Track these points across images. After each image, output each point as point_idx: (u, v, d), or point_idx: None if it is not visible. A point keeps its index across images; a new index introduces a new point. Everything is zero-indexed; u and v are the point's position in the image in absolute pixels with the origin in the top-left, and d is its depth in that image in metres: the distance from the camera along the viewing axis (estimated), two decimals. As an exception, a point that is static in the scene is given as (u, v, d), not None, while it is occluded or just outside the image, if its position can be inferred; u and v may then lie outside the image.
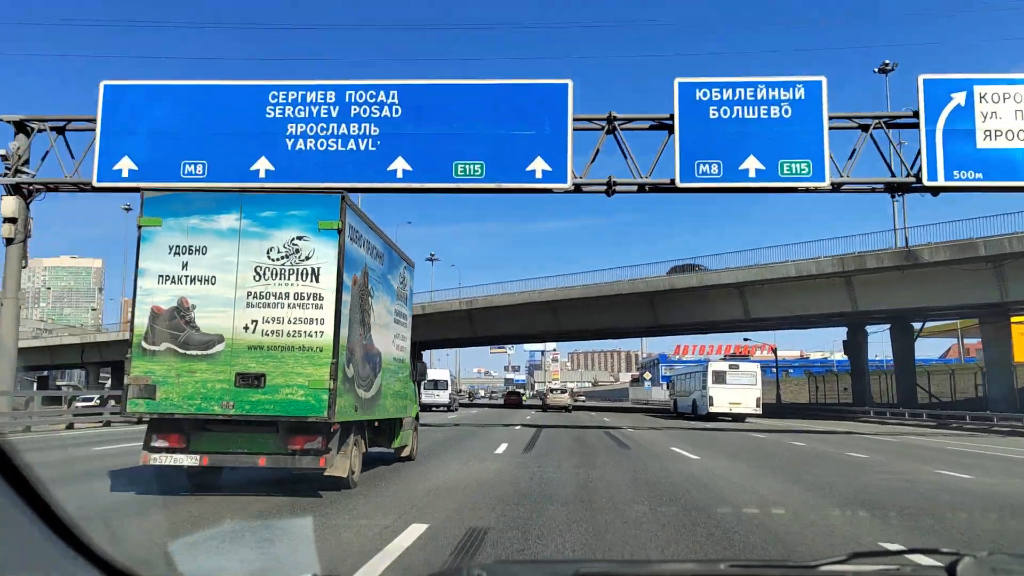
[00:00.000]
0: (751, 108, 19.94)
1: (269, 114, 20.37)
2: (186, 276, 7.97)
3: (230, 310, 7.91)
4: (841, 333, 51.15)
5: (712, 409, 35.39)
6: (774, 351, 55.43)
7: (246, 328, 7.87)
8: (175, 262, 8.00)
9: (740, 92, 20.05)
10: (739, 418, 35.33)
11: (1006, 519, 8.07)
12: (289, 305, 7.94)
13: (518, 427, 25.70)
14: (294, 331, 7.88)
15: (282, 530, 3.83)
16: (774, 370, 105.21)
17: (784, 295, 39.64)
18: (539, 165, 19.84)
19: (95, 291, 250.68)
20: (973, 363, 62.43)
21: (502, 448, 15.82)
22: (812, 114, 19.85)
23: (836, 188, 20.14)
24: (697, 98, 20.13)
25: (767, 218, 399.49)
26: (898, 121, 20.48)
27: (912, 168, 19.94)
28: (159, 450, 7.93)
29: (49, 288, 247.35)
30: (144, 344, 7.87)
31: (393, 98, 20.31)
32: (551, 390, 52.77)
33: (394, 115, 20.24)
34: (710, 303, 41.99)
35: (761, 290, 40.13)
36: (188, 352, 7.83)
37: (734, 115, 19.96)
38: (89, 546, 1.47)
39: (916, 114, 19.98)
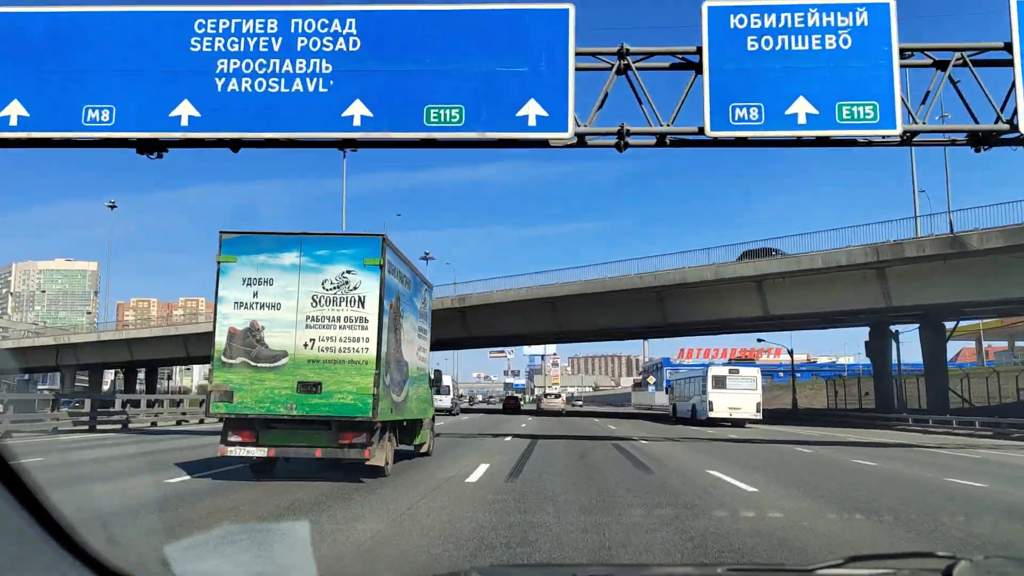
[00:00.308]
0: (800, 38, 15.60)
1: (195, 47, 16.04)
2: (256, 303, 9.48)
3: (292, 331, 9.41)
4: (855, 334, 46.91)
5: (712, 414, 34.12)
6: (790, 353, 50.98)
7: (305, 345, 9.37)
8: (248, 291, 9.52)
9: (786, 18, 15.72)
10: (739, 423, 33.89)
11: None
12: (340, 327, 9.46)
13: (509, 438, 21.43)
14: (344, 348, 9.39)
15: (280, 534, 3.57)
16: (781, 374, 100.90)
17: (808, 289, 35.28)
18: (532, 110, 15.50)
19: (90, 294, 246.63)
20: (992, 367, 58.11)
21: (479, 473, 11.46)
22: (878, 45, 15.50)
23: (908, 139, 15.83)
24: (732, 26, 15.80)
25: (761, 219, 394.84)
26: (984, 57, 16.14)
27: (1003, 113, 15.63)
28: (234, 444, 9.45)
29: (44, 291, 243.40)
30: (223, 358, 9.38)
31: (350, 28, 15.99)
32: (545, 395, 52.94)
33: (351, 48, 15.91)
34: (726, 299, 37.68)
35: (782, 284, 35.79)
36: (259, 365, 9.34)
37: (779, 47, 15.63)
38: (85, 548, 1.47)
39: (1008, 46, 15.68)
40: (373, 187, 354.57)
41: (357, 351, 9.29)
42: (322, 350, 9.27)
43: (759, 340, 49.53)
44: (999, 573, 1.86)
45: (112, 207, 78.47)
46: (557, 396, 50.77)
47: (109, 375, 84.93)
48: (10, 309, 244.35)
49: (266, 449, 9.35)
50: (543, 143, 16.03)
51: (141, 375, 79.90)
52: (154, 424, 25.12)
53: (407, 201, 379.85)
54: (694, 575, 2.72)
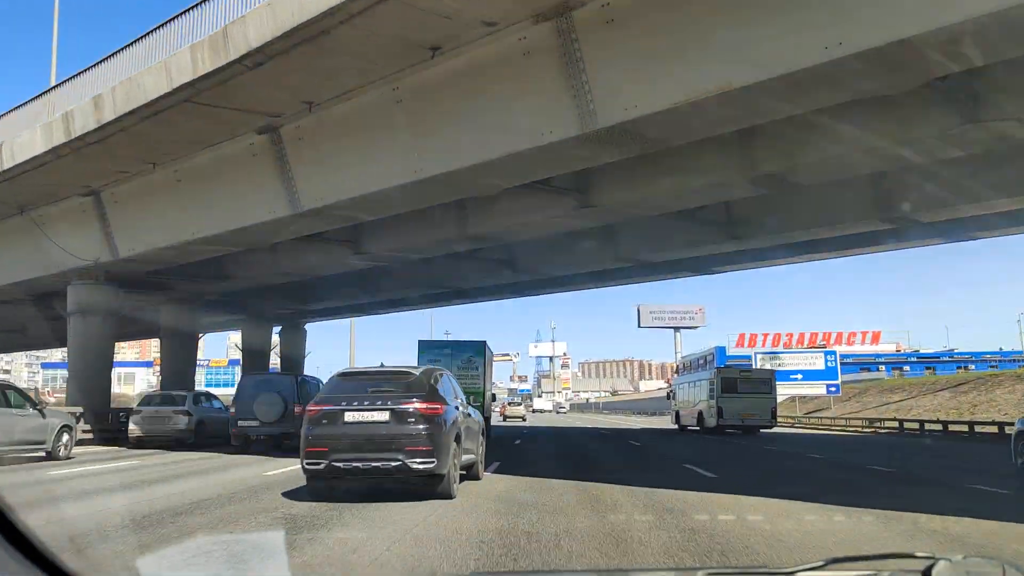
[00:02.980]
0: None
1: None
2: None
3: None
4: None
5: (721, 422, 28.83)
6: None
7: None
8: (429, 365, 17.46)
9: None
10: (750, 431, 28.42)
11: None
12: (469, 379, 19.34)
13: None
14: (471, 387, 18.22)
15: (254, 544, 3.52)
16: (884, 369, 66.97)
17: None
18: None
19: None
20: None
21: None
22: None
23: None
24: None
25: None
26: None
27: None
28: None
29: None
30: None
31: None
32: (509, 403, 50.98)
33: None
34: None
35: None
36: None
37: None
38: (55, 563, 1.44)
39: None
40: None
41: (476, 388, 19.54)
42: (462, 388, 14.48)
43: None
44: (978, 573, 1.77)
45: None
46: (519, 403, 49.54)
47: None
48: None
49: None
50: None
51: None
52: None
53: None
54: None
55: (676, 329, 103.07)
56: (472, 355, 21.06)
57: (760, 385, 29.57)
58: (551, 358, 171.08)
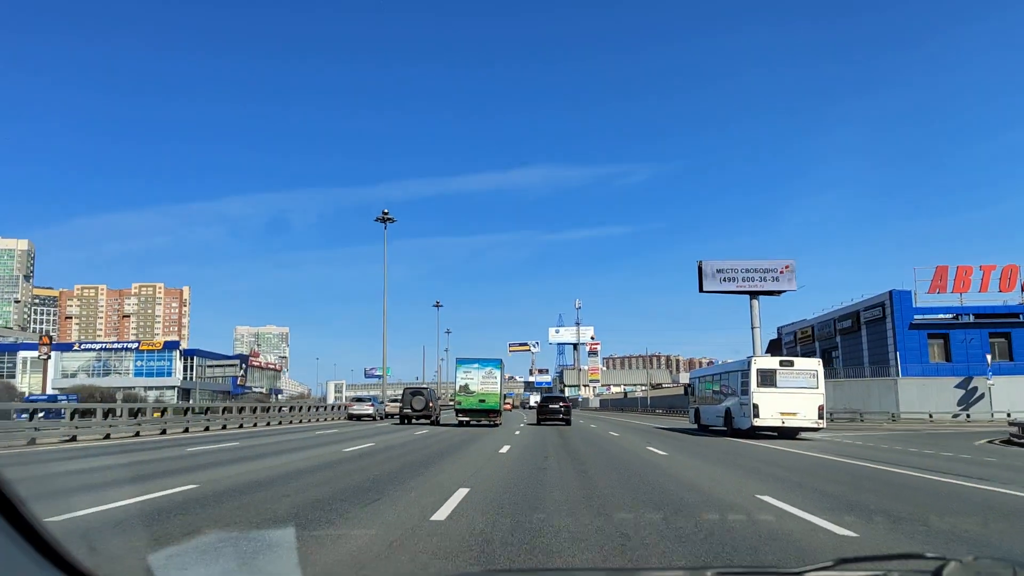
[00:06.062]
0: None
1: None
2: (468, 378, 37.05)
3: (477, 385, 36.71)
4: None
5: (757, 422, 24.86)
6: None
7: (480, 388, 36.71)
8: (464, 375, 36.62)
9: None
10: (790, 433, 25.26)
11: None
12: (489, 384, 36.51)
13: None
14: (491, 389, 36.49)
15: (265, 542, 3.57)
16: None
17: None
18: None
19: (19, 279, 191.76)
20: None
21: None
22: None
23: None
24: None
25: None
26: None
27: None
28: (461, 417, 36.75)
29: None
30: (459, 392, 36.88)
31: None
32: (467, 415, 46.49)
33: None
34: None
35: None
36: (467, 395, 36.61)
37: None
38: (68, 560, 1.42)
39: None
40: (404, 195, 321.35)
41: (494, 390, 35.95)
42: (485, 391, 35.98)
43: None
44: (988, 573, 1.71)
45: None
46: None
47: None
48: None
49: (469, 418, 36.21)
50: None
51: None
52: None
53: (436, 207, 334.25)
54: None
55: (752, 295, 75.31)
56: (492, 367, 36.11)
57: (804, 378, 25.78)
58: (575, 345, 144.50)
